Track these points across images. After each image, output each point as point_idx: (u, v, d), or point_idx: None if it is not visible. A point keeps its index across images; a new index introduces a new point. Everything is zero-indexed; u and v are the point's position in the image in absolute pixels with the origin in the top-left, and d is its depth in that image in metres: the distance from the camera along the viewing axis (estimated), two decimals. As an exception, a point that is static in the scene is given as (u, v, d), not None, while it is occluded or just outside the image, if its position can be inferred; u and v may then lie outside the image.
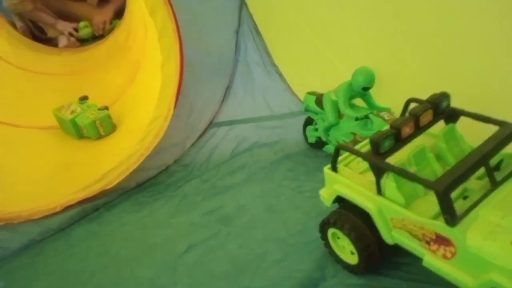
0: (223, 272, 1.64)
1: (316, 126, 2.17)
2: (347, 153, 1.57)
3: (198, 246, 1.78)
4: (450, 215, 1.15)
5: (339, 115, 2.03)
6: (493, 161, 1.32)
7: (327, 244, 1.60)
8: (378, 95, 2.00)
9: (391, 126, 1.36)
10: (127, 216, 2.04)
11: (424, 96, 1.50)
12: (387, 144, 1.32)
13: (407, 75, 1.95)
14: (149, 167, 2.21)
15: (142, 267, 1.75)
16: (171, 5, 1.98)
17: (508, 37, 1.54)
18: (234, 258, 1.69)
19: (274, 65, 2.56)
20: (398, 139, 1.35)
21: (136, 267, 1.76)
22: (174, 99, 2.08)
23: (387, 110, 1.92)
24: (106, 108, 2.64)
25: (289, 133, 2.36)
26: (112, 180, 2.10)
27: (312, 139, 2.23)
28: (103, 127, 2.59)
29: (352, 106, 2.02)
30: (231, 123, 2.46)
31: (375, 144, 1.31)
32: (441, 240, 1.21)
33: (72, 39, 3.96)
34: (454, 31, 1.69)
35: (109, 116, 2.60)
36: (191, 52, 2.21)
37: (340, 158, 1.57)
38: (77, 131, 2.64)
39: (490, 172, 1.23)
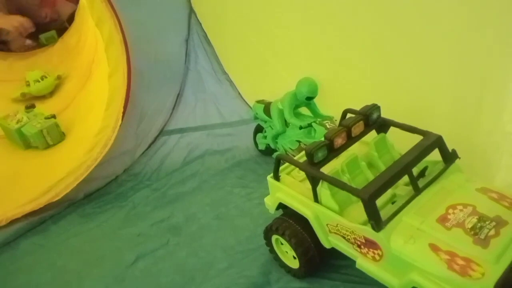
0: (170, 282, 1.67)
1: (266, 134, 2.23)
2: (288, 162, 1.64)
3: (146, 257, 1.79)
4: (375, 221, 1.24)
5: (286, 123, 2.10)
6: (420, 166, 1.43)
7: (272, 250, 1.66)
8: (323, 103, 2.09)
9: (325, 137, 1.43)
10: (74, 228, 2.01)
11: (364, 104, 1.59)
12: (320, 154, 1.39)
13: (349, 85, 2.05)
14: (98, 177, 2.19)
15: (90, 279, 1.74)
16: (117, 17, 1.98)
17: (437, 54, 1.66)
18: (182, 268, 1.72)
19: (224, 73, 2.61)
20: (331, 149, 1.43)
21: (84, 279, 1.75)
22: (121, 110, 2.08)
23: (330, 118, 2.01)
24: (54, 116, 2.59)
25: (240, 140, 2.41)
26: (59, 192, 2.07)
27: (262, 146, 2.30)
28: (51, 136, 2.53)
29: (297, 114, 2.10)
30: (182, 130, 2.47)
31: (309, 154, 1.38)
32: (369, 244, 1.29)
33: (28, 41, 3.76)
34: (390, 47, 1.80)
35: (56, 125, 2.55)
36: (140, 62, 2.22)
37: (283, 166, 1.64)
38: (23, 141, 2.57)
39: (413, 179, 1.33)
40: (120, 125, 2.11)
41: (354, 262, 1.40)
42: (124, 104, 2.09)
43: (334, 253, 1.49)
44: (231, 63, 2.59)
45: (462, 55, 1.57)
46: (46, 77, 3.08)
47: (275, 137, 2.15)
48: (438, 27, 1.60)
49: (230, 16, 2.42)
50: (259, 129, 2.30)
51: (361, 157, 1.52)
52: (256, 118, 2.25)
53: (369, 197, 1.23)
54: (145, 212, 2.04)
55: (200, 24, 2.56)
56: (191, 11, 2.56)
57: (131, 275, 1.72)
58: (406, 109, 1.79)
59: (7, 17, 3.49)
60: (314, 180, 1.39)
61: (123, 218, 2.03)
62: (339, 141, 1.44)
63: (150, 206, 2.08)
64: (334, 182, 1.33)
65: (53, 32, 3.75)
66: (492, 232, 1.19)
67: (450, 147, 1.47)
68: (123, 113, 2.09)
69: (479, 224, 1.22)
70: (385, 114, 1.61)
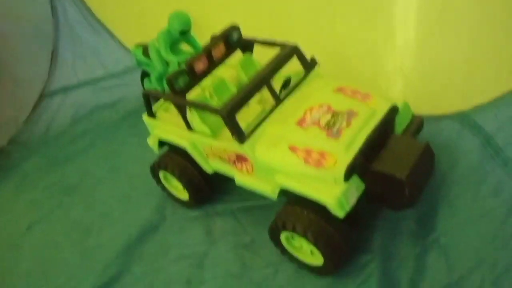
0: (68, 239, 1.65)
1: (151, 78, 2.16)
2: (165, 98, 1.61)
3: (40, 222, 1.75)
4: (237, 135, 1.28)
5: (166, 62, 2.04)
6: (284, 77, 1.47)
7: (164, 188, 1.67)
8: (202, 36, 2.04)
9: (185, 63, 1.42)
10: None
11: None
12: (181, 81, 1.38)
13: (223, 13, 2.01)
14: (-19, 153, 2.04)
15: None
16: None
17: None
18: (79, 223, 1.70)
19: (100, 23, 2.44)
20: (194, 75, 1.42)
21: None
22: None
23: (209, 50, 1.98)
24: None
25: (129, 89, 2.34)
26: None
27: (151, 91, 2.23)
28: None
29: (178, 51, 2.04)
30: (65, 90, 2.33)
31: (170, 82, 1.36)
32: (240, 158, 1.34)
33: None
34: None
35: None
36: (2, 26, 2.02)
37: (159, 103, 1.62)
38: None
39: (272, 91, 1.37)
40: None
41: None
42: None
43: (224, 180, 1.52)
44: (104, 10, 2.42)
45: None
46: None
47: (160, 78, 2.09)
48: None
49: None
50: (145, 74, 2.22)
51: (230, 80, 1.53)
52: (139, 63, 2.16)
53: (227, 114, 1.26)
54: (37, 179, 1.96)
55: (60, -29, 2.35)
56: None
57: (27, 242, 1.69)
58: (271, 25, 1.80)
59: None
60: (180, 108, 1.39)
61: (14, 189, 1.94)
62: (200, 66, 1.43)
63: (42, 172, 2.00)
64: (195, 105, 1.34)
65: None
66: (343, 124, 1.28)
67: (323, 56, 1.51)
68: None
69: (332, 120, 1.30)
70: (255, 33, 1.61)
